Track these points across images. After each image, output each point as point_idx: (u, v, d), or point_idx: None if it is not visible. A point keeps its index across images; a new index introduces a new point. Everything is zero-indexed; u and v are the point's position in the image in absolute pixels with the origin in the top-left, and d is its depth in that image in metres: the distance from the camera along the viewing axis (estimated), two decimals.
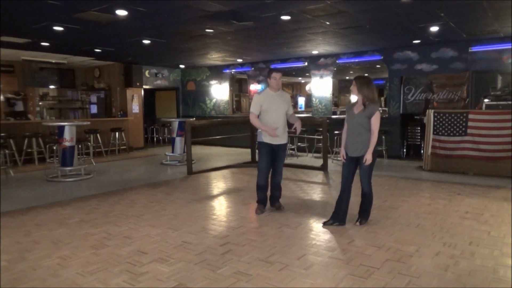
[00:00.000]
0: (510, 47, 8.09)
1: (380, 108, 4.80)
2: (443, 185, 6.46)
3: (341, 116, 10.67)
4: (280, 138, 4.72)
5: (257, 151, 4.96)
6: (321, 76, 10.95)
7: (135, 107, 12.57)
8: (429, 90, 9.27)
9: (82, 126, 9.56)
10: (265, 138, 4.71)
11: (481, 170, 7.22)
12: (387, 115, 10.15)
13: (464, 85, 8.70)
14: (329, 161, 8.74)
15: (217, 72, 13.18)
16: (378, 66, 11.42)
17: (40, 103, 11.99)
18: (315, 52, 10.11)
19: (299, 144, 10.50)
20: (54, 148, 8.25)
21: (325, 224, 4.34)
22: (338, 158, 9.42)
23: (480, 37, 8.24)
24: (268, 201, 4.99)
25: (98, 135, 10.49)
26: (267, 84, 4.81)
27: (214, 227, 4.35)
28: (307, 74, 11.57)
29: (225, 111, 13.18)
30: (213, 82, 13.40)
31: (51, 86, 12.36)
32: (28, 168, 8.70)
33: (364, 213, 4.38)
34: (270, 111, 4.68)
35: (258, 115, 4.75)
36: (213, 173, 7.92)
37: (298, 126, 4.73)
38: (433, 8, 5.92)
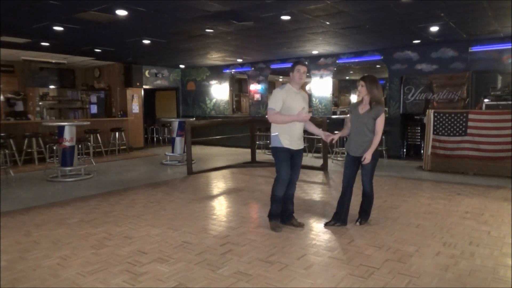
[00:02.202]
0: (510, 47, 8.09)
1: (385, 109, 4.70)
2: (443, 185, 6.46)
3: (341, 116, 10.67)
4: (299, 142, 4.20)
5: (274, 157, 4.23)
6: (321, 76, 10.95)
7: (135, 107, 12.57)
8: (429, 90, 9.27)
9: (82, 126, 9.57)
10: (285, 142, 4.07)
11: (481, 170, 7.22)
12: (387, 115, 10.15)
13: (464, 85, 8.70)
14: (329, 161, 8.74)
15: (217, 72, 13.18)
16: (378, 66, 11.40)
17: (40, 103, 11.99)
18: (315, 52, 10.12)
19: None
20: (54, 148, 8.25)
21: (326, 225, 4.33)
22: (339, 158, 9.42)
23: (480, 37, 8.24)
24: (280, 219, 4.34)
25: (98, 135, 10.49)
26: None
27: (214, 227, 4.35)
28: (307, 74, 11.56)
29: (225, 111, 13.18)
30: (213, 82, 13.40)
31: (51, 86, 12.36)
32: (28, 168, 8.71)
33: (364, 213, 4.38)
34: (293, 110, 4.01)
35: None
36: (213, 173, 7.92)
37: (329, 136, 4.23)
38: (433, 8, 5.92)
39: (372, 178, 4.27)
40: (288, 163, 4.12)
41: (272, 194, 4.23)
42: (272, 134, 4.16)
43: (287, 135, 4.08)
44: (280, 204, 4.24)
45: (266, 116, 4.18)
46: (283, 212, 4.34)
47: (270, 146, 4.22)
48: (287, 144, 4.08)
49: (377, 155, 4.20)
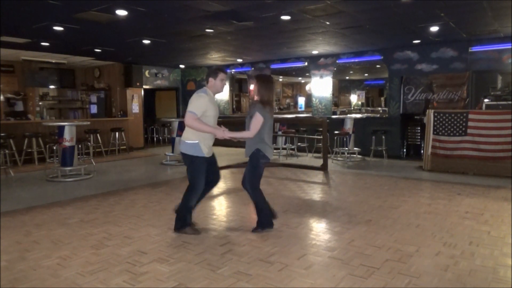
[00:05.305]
0: (510, 47, 8.10)
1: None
2: (443, 185, 6.46)
3: (341, 116, 10.68)
4: (212, 148, 4.14)
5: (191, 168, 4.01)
6: (321, 76, 10.95)
7: (135, 107, 12.57)
8: (429, 90, 9.28)
9: (82, 126, 9.56)
10: (205, 151, 3.95)
11: (481, 170, 7.21)
12: (387, 115, 10.16)
13: (464, 85, 8.70)
14: (329, 161, 8.74)
15: None
16: (378, 66, 11.42)
17: (40, 103, 11.99)
18: (315, 52, 10.12)
19: (299, 144, 10.50)
20: (54, 148, 8.25)
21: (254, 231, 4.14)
22: (339, 158, 9.42)
23: (480, 37, 8.25)
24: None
25: (98, 135, 10.48)
26: (207, 84, 4.03)
27: (214, 227, 4.35)
28: (307, 74, 11.58)
29: (225, 111, 13.18)
30: None
31: (51, 86, 12.37)
32: (28, 168, 8.70)
33: (258, 221, 4.13)
34: (212, 117, 3.96)
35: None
36: None
37: (224, 131, 4.06)
38: (433, 8, 5.92)
39: (251, 181, 4.06)
40: (205, 173, 4.01)
41: (185, 206, 4.02)
42: (191, 142, 3.89)
43: (207, 143, 3.97)
44: (191, 213, 4.11)
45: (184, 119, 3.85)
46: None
47: (186, 154, 3.91)
48: (206, 153, 3.96)
49: (256, 159, 4.01)
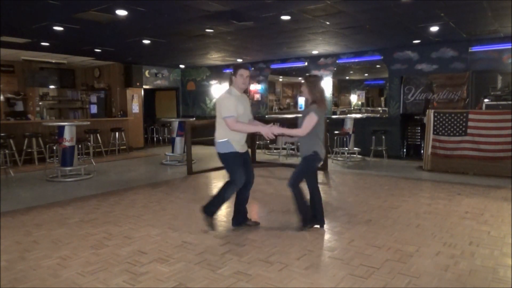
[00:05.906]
0: (510, 47, 8.10)
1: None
2: (443, 185, 6.46)
3: (341, 116, 10.67)
4: (245, 145, 4.16)
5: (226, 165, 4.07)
6: (321, 76, 10.94)
7: (135, 107, 12.57)
8: (429, 90, 9.28)
9: (82, 126, 9.56)
10: (237, 147, 4.00)
11: (481, 170, 7.21)
12: (387, 115, 10.16)
13: (464, 85, 8.70)
14: (329, 161, 8.74)
15: (217, 72, 13.18)
16: (378, 66, 11.41)
17: (40, 103, 11.99)
18: (315, 52, 10.12)
19: (299, 144, 10.47)
20: (54, 148, 8.25)
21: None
22: (339, 158, 9.42)
23: (480, 37, 8.24)
24: (234, 220, 4.34)
25: (98, 135, 10.48)
26: (230, 83, 4.07)
27: None
28: (307, 74, 11.57)
29: None
30: (213, 82, 13.40)
31: (51, 86, 12.36)
32: (28, 168, 8.70)
33: (301, 219, 4.19)
34: (243, 116, 3.99)
35: None
36: (213, 173, 7.91)
37: (271, 128, 3.98)
38: (433, 8, 5.92)
39: (296, 179, 4.08)
40: (242, 168, 4.03)
41: (221, 198, 4.09)
42: (221, 141, 3.97)
43: (237, 141, 4.01)
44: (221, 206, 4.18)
45: (227, 124, 3.87)
46: (241, 214, 4.31)
47: (219, 152, 4.02)
48: (239, 148, 4.02)
49: (312, 161, 4.08)
